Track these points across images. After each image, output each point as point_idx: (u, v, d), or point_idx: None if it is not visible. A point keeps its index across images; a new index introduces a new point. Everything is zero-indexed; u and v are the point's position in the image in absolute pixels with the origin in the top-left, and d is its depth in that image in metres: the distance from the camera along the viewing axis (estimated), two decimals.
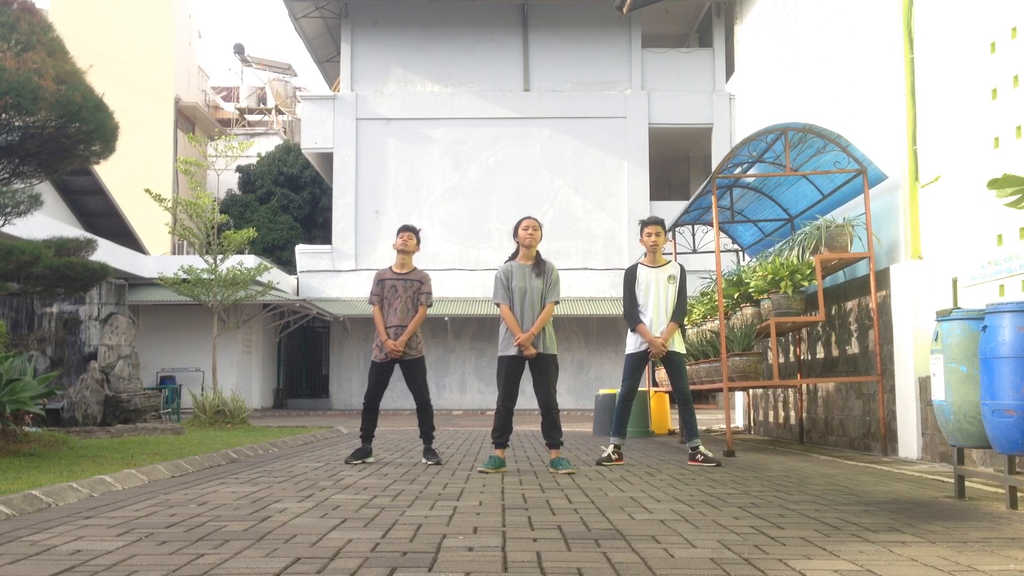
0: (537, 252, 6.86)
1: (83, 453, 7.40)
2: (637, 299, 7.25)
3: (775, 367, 9.08)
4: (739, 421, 13.95)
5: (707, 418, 17.06)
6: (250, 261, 18.71)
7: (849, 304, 9.32)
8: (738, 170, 9.69)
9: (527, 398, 7.64)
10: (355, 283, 26.36)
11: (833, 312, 9.68)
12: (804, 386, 10.49)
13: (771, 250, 9.96)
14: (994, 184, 4.42)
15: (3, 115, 7.36)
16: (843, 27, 9.70)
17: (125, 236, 24.04)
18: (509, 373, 6.72)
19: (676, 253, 11.68)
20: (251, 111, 39.83)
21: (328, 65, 30.85)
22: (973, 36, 6.68)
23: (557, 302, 6.74)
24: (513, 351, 6.68)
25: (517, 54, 27.72)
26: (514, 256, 6.88)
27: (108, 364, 11.10)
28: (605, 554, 3.29)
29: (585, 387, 26.54)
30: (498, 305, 6.76)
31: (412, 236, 7.39)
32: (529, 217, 6.95)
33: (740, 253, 12.71)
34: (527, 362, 6.72)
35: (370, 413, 7.25)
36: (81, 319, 11.11)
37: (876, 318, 8.36)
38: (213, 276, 16.09)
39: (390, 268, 7.41)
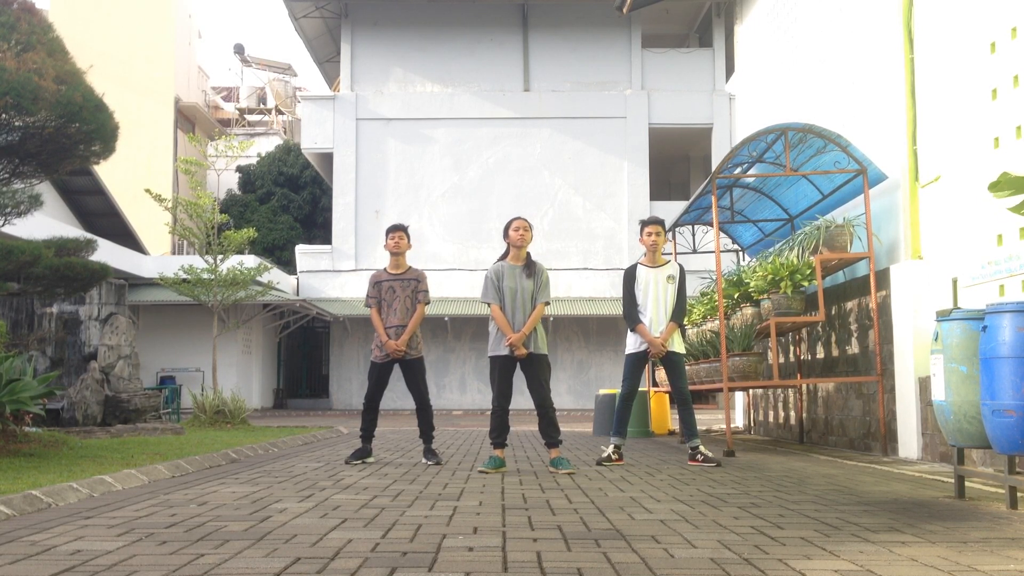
0: (528, 253, 6.84)
1: (83, 453, 7.40)
2: (636, 299, 7.25)
3: (775, 367, 9.08)
4: (739, 421, 13.94)
5: (707, 418, 17.06)
6: (250, 261, 18.70)
7: (849, 304, 9.31)
8: (738, 170, 9.69)
9: (525, 398, 7.64)
10: (355, 283, 26.35)
11: (833, 312, 9.68)
12: (804, 386, 10.48)
13: (771, 250, 9.95)
14: (994, 187, 4.40)
15: (3, 115, 7.36)
16: (843, 27, 9.70)
17: (125, 236, 24.04)
18: (502, 373, 6.72)
19: (676, 253, 11.67)
20: (251, 111, 39.82)
21: (328, 65, 30.85)
22: (973, 36, 6.68)
23: (548, 303, 6.76)
24: (504, 351, 6.68)
25: (517, 54, 27.72)
26: (504, 256, 6.87)
27: (108, 364, 11.09)
28: (605, 554, 3.29)
29: (585, 387, 26.54)
30: (488, 305, 6.76)
31: (403, 235, 7.38)
32: (519, 218, 6.92)
33: (740, 253, 12.70)
34: (518, 362, 6.72)
35: (370, 413, 7.25)
36: (81, 319, 11.10)
37: (876, 318, 8.35)
38: (213, 276, 16.09)
39: (384, 269, 7.39)
